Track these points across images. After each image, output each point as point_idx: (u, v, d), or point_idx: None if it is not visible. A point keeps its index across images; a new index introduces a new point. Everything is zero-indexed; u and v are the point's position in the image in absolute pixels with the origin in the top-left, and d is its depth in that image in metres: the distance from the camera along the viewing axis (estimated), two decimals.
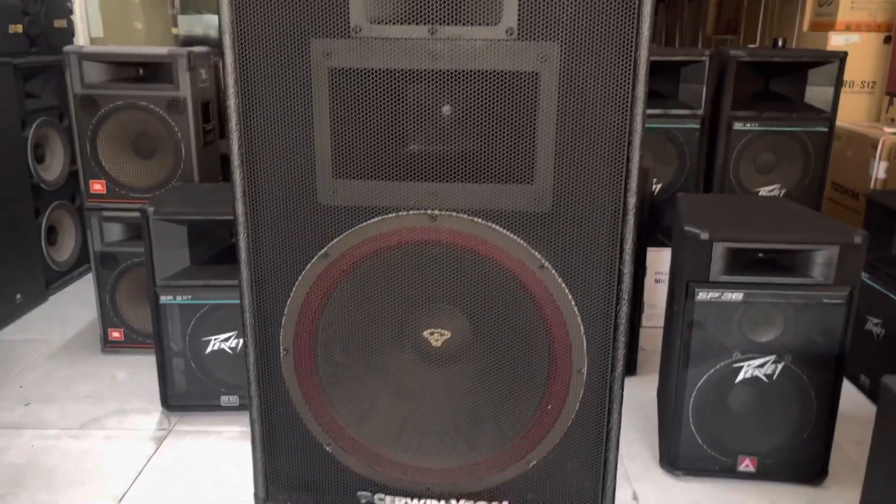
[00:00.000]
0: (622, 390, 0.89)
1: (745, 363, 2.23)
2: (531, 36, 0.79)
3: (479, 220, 0.86)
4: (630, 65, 0.80)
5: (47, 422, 2.63)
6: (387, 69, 0.82)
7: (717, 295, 2.19)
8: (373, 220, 0.87)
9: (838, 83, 3.38)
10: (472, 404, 0.94)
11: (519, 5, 0.79)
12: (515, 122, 0.84)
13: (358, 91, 0.84)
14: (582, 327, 0.88)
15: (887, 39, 4.39)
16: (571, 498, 0.94)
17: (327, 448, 0.95)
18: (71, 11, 4.06)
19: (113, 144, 2.93)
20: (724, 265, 2.19)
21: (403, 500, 0.96)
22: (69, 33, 4.05)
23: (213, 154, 3.16)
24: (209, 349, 2.62)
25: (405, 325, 0.91)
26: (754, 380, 2.24)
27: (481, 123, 0.84)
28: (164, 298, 2.56)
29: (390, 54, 0.80)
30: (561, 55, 0.79)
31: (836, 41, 4.46)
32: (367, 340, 0.92)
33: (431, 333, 0.93)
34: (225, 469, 2.37)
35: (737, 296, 2.19)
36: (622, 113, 0.82)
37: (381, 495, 0.96)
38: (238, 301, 2.55)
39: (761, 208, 2.54)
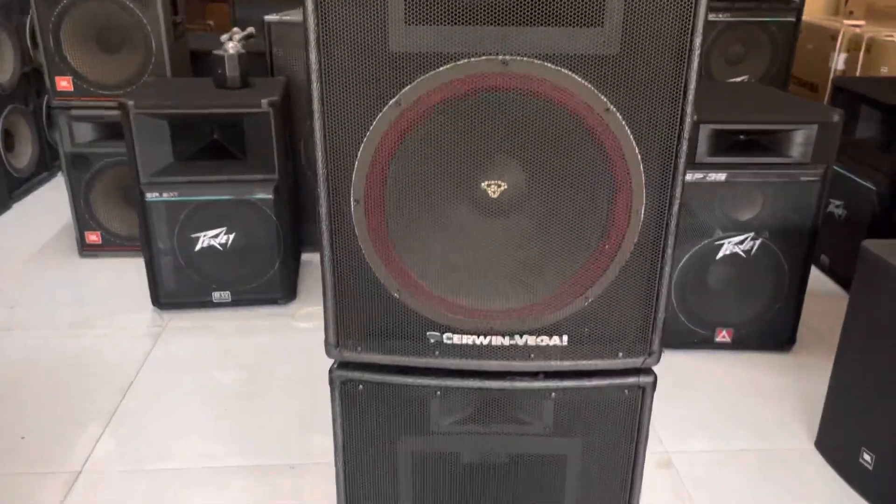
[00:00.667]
0: (677, 227, 0.96)
1: (726, 240, 2.35)
2: None
3: (551, 65, 0.89)
4: None
5: (36, 323, 2.61)
6: None
7: (701, 176, 2.29)
8: (444, 67, 0.89)
9: None
10: (532, 250, 0.99)
11: None
12: None
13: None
14: (642, 168, 0.93)
15: None
16: (625, 329, 1.02)
17: (396, 294, 1.00)
18: None
19: (78, 38, 2.80)
20: (709, 147, 2.28)
21: (471, 338, 1.02)
22: None
23: (182, 49, 3.05)
24: (198, 246, 2.62)
25: (469, 176, 0.95)
26: (733, 256, 2.37)
27: None
28: (150, 196, 2.53)
29: None
30: None
31: None
32: (432, 191, 0.96)
33: (489, 185, 0.97)
34: (225, 361, 2.42)
35: (720, 176, 2.28)
36: None
37: (449, 334, 1.02)
38: (227, 197, 2.55)
39: (742, 93, 2.61)
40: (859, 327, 1.86)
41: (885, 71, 3.52)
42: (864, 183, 2.81)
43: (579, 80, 0.89)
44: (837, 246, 2.98)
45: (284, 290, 2.73)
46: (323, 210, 0.96)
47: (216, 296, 2.69)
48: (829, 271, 3.07)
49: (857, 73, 3.73)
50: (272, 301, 2.73)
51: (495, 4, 0.87)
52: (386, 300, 1.01)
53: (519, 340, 1.01)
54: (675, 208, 0.95)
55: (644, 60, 0.88)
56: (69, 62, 2.81)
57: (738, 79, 3.55)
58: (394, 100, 0.91)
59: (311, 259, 3.12)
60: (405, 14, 0.87)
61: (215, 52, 2.62)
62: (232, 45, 2.65)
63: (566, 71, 0.89)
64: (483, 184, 0.97)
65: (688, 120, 0.91)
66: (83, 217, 3.03)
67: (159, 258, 2.62)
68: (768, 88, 2.68)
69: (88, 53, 2.83)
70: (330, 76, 0.90)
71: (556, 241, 0.98)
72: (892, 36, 3.57)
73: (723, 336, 2.49)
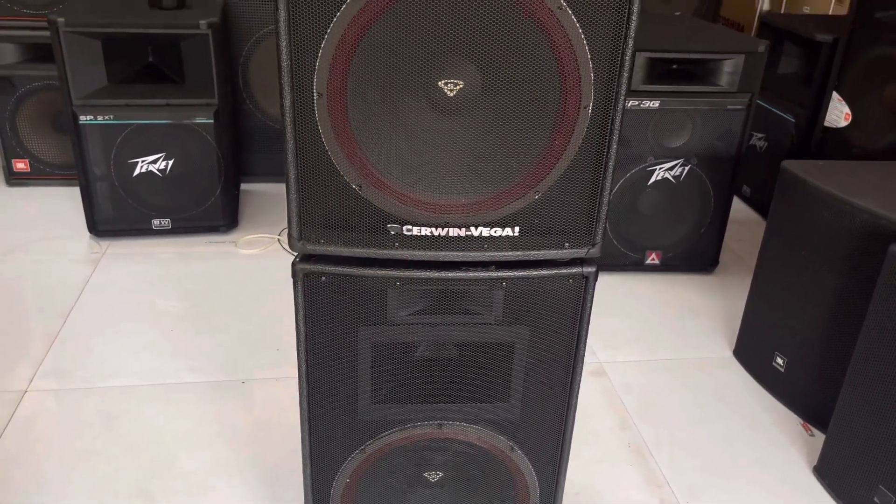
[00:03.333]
0: (622, 124, 1.03)
1: (657, 167, 2.47)
2: None
3: None
4: None
5: None
6: None
7: (636, 103, 2.38)
8: None
9: None
10: (486, 146, 1.05)
11: None
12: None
13: None
14: (591, 64, 1.00)
15: None
16: (572, 221, 1.10)
17: (357, 188, 1.05)
18: None
19: None
20: (644, 75, 2.37)
21: (428, 230, 1.08)
22: None
23: None
24: (136, 172, 2.58)
25: (427, 74, 0.99)
26: (664, 182, 2.50)
27: None
28: (83, 118, 2.46)
29: None
30: None
31: None
32: (392, 88, 1.00)
33: (446, 84, 1.02)
34: (169, 286, 2.41)
35: (654, 104, 2.38)
36: None
37: (409, 226, 1.08)
38: (165, 121, 2.50)
39: (673, 24, 2.71)
40: (777, 242, 2.01)
41: (807, 10, 3.68)
42: (783, 115, 2.97)
43: None
44: (758, 176, 3.16)
45: (226, 218, 2.72)
46: (287, 102, 0.99)
47: (156, 223, 2.66)
48: (750, 200, 3.26)
49: (782, 12, 3.88)
50: (214, 229, 2.72)
51: None
52: (348, 194, 1.05)
53: (474, 231, 1.08)
54: (620, 105, 1.02)
55: None
56: None
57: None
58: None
59: (252, 188, 3.11)
60: None
61: None
62: None
63: None
64: (440, 82, 1.01)
65: (634, 18, 0.97)
66: (9, 145, 2.92)
67: (95, 184, 2.56)
68: (700, 21, 2.78)
69: None
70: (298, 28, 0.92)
71: (509, 138, 1.04)
72: None
73: (652, 258, 2.63)
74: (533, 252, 1.11)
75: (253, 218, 2.89)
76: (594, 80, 1.01)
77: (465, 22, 0.97)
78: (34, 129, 2.94)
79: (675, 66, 2.43)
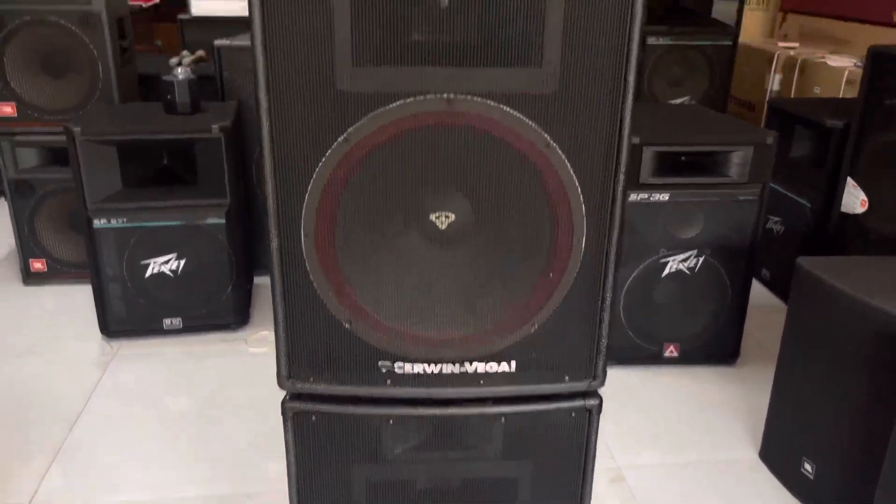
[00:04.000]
0: (617, 257, 1.00)
1: (671, 258, 2.43)
2: None
3: (493, 103, 0.92)
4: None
5: None
6: None
7: (646, 196, 2.36)
8: (391, 105, 0.92)
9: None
10: (479, 280, 1.02)
11: None
12: (528, 8, 0.90)
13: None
14: (583, 199, 0.98)
15: None
16: (570, 354, 1.06)
17: (347, 325, 1.02)
18: None
19: (21, 63, 2.76)
20: (652, 168, 2.36)
21: (421, 367, 1.05)
22: None
23: (131, 74, 3.02)
24: (148, 273, 2.59)
25: (418, 209, 0.98)
26: (678, 273, 2.45)
27: (494, 10, 0.90)
28: (97, 223, 2.49)
29: None
30: None
31: None
32: (381, 223, 0.99)
33: (437, 217, 1.00)
34: (177, 389, 2.39)
35: (663, 196, 2.36)
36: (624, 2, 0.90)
37: (400, 363, 1.04)
38: (177, 222, 2.53)
39: (680, 115, 2.71)
40: (796, 342, 1.94)
41: (818, 91, 3.68)
42: (799, 200, 2.93)
43: (521, 117, 0.93)
44: (777, 260, 3.10)
45: (237, 315, 2.72)
46: (273, 245, 0.98)
47: (167, 322, 2.65)
48: (769, 285, 3.19)
49: (792, 94, 3.89)
50: (224, 326, 2.71)
51: (441, 48, 0.90)
52: (337, 331, 1.03)
53: (468, 368, 1.04)
54: (615, 239, 1.00)
55: (581, 98, 0.93)
56: (12, 88, 2.77)
57: (680, 100, 3.67)
58: (342, 137, 0.93)
59: (264, 282, 3.11)
60: (352, 55, 0.90)
61: (165, 77, 2.61)
62: (182, 70, 2.64)
63: (508, 109, 0.93)
64: (432, 215, 1.00)
65: (624, 155, 0.95)
66: (28, 245, 2.97)
67: (107, 285, 2.58)
68: (708, 111, 2.79)
69: (33, 78, 2.79)
70: (280, 115, 0.92)
71: (503, 271, 1.02)
72: (823, 58, 3.74)
73: (670, 351, 2.56)
74: (531, 386, 1.07)
75: (264, 311, 2.88)
76: (586, 213, 0.99)
77: (455, 157, 0.96)
78: (52, 229, 2.99)
79: (683, 158, 2.42)
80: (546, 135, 0.94)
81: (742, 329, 2.56)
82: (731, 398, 2.41)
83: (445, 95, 0.92)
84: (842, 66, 3.53)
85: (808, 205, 2.88)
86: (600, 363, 1.07)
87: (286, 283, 0.99)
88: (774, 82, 4.07)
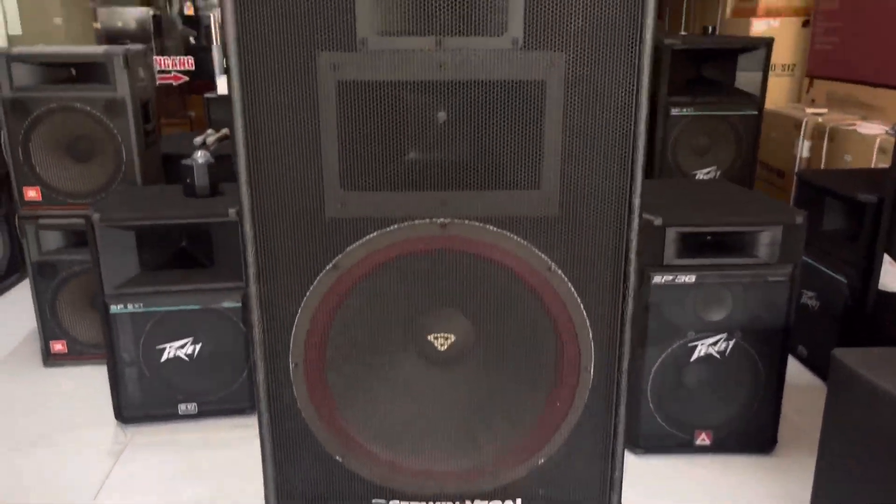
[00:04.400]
0: (628, 385, 0.93)
1: (699, 342, 2.33)
2: (537, 46, 0.81)
3: (489, 227, 0.87)
4: (633, 71, 0.83)
5: None
6: (394, 81, 0.83)
7: (671, 278, 2.28)
8: (382, 231, 0.88)
9: (766, 68, 3.54)
10: (481, 407, 0.96)
11: (524, 17, 0.81)
12: (523, 129, 0.86)
13: (365, 102, 0.84)
14: (589, 326, 0.91)
15: (805, 24, 4.60)
16: (581, 490, 0.98)
17: (339, 459, 0.96)
18: None
19: (47, 149, 2.81)
20: (676, 249, 2.28)
21: None
22: None
23: (154, 155, 3.06)
24: (164, 357, 2.56)
25: (411, 332, 0.93)
26: (708, 357, 2.34)
27: (489, 131, 0.85)
28: (114, 308, 2.48)
29: (398, 66, 0.81)
30: (567, 63, 0.81)
31: (758, 27, 4.65)
32: (374, 350, 0.93)
33: (436, 338, 0.94)
34: (191, 477, 2.32)
35: (689, 278, 2.28)
36: (626, 117, 0.85)
37: (396, 501, 0.97)
38: (194, 306, 2.51)
39: (705, 192, 2.64)
40: (836, 436, 1.82)
41: (848, 160, 3.59)
42: (834, 275, 2.82)
43: (520, 240, 0.88)
44: (813, 337, 2.97)
45: (252, 399, 2.66)
46: (260, 375, 0.92)
47: (182, 408, 2.61)
48: (807, 362, 3.04)
49: (822, 162, 3.80)
50: (240, 411, 2.65)
51: (434, 169, 0.86)
52: (329, 463, 0.96)
53: None
54: (625, 365, 0.92)
55: (584, 220, 0.87)
56: (38, 173, 2.81)
57: (706, 170, 3.61)
58: (331, 264, 0.89)
59: None
60: (341, 180, 0.86)
61: (184, 161, 2.63)
62: (202, 153, 2.66)
63: (506, 233, 0.88)
64: (430, 336, 0.94)
65: (632, 278, 0.89)
66: (49, 326, 2.97)
67: (123, 370, 2.55)
68: (734, 187, 2.71)
69: (58, 163, 2.83)
70: (266, 244, 0.88)
71: (506, 398, 0.95)
72: (853, 125, 3.66)
73: (702, 439, 2.43)
74: None
75: None
76: (593, 337, 0.92)
77: (452, 279, 0.91)
78: (74, 310, 2.99)
79: (709, 238, 2.34)
80: (547, 258, 0.88)
81: (779, 415, 2.43)
82: (769, 491, 2.27)
83: (440, 220, 0.87)
84: (873, 134, 3.44)
85: (845, 280, 2.76)
86: (615, 498, 0.98)
87: (274, 416, 0.93)
88: (804, 149, 3.99)
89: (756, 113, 3.55)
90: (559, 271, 0.88)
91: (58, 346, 3.00)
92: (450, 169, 0.86)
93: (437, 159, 0.85)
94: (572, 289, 0.89)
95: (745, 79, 3.58)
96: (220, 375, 2.60)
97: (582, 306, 0.90)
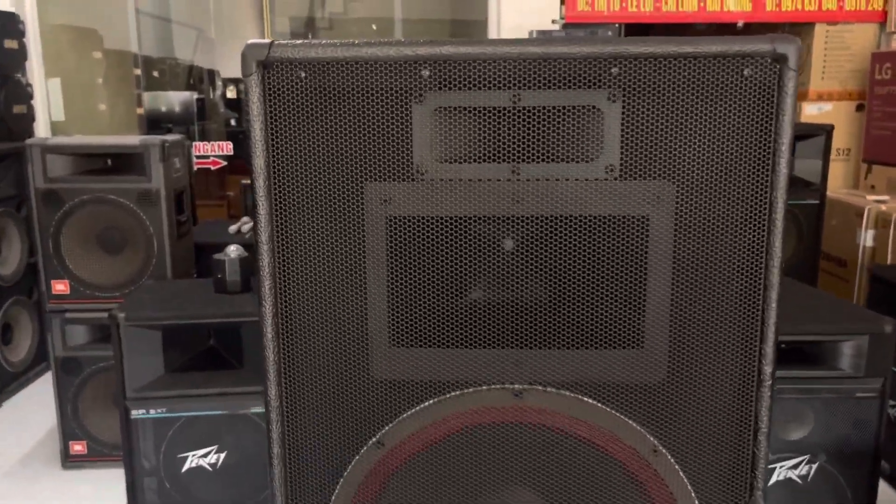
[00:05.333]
0: None
1: (778, 465, 2.07)
2: (638, 174, 0.64)
3: (574, 396, 0.69)
4: (762, 205, 0.66)
5: None
6: (459, 217, 0.66)
7: None
8: (440, 399, 0.69)
9: (826, 155, 3.36)
10: None
11: (622, 138, 0.65)
12: (620, 274, 0.68)
13: (423, 242, 0.68)
14: None
15: (860, 107, 4.44)
16: None
17: None
18: (31, 96, 3.87)
19: (78, 241, 2.72)
20: None
21: None
22: (29, 118, 3.85)
23: (186, 246, 2.96)
24: (186, 466, 2.37)
25: None
26: (788, 482, 2.08)
27: (576, 276, 0.68)
28: (135, 413, 2.31)
29: (463, 199, 0.65)
30: (678, 196, 0.64)
31: (809, 110, 4.50)
32: None
33: None
34: None
35: None
36: (753, 260, 0.67)
37: None
38: (219, 412, 2.33)
39: None
40: None
41: None
42: None
43: (616, 414, 0.69)
44: None
45: None
46: None
47: None
48: (890, 479, 2.73)
49: (888, 253, 3.56)
50: None
51: (506, 322, 0.68)
52: None
53: None
54: None
55: (700, 390, 0.68)
56: (67, 265, 2.72)
57: None
58: (374, 439, 0.71)
59: None
60: (390, 334, 0.69)
61: (216, 256, 2.51)
62: (234, 248, 2.54)
63: (597, 403, 0.69)
64: None
65: (762, 464, 0.69)
66: (69, 426, 2.82)
67: (142, 480, 2.36)
68: (804, 287, 2.50)
69: (88, 256, 2.74)
70: (295, 410, 0.71)
71: None
72: None
73: None
74: None
75: None
76: None
77: (524, 456, 0.71)
78: (96, 409, 2.84)
79: (783, 346, 2.11)
80: (652, 438, 0.69)
81: None
82: None
83: (513, 386, 0.69)
84: None
85: None
86: None
87: None
88: (867, 238, 3.76)
89: (817, 202, 3.35)
90: (667, 454, 0.69)
91: (77, 447, 2.84)
92: (526, 322, 0.68)
93: (511, 310, 0.68)
94: (684, 477, 0.69)
95: (804, 166, 3.40)
96: (245, 486, 2.40)
97: (694, 496, 0.70)
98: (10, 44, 3.71)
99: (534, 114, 0.65)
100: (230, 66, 6.83)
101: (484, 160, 0.66)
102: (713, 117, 0.65)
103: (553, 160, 0.66)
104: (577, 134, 0.66)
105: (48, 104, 4.19)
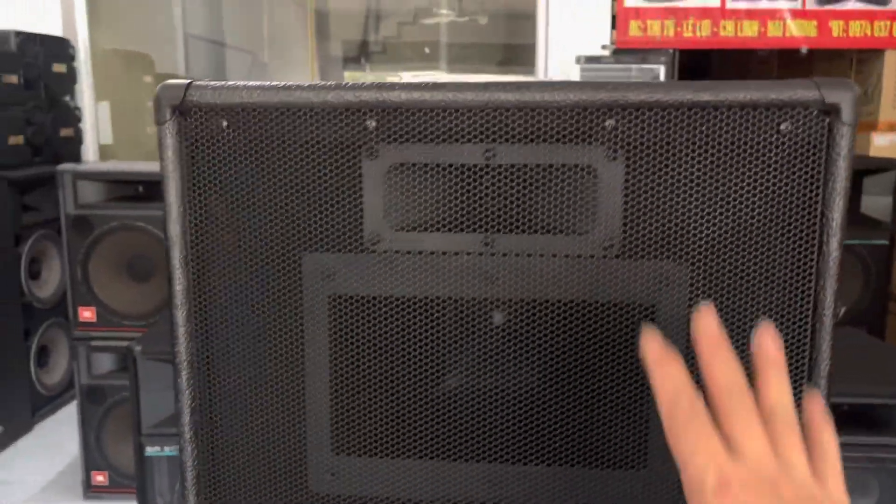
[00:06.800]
0: None
1: None
2: (642, 252, 0.50)
3: None
4: (806, 292, 0.51)
5: None
6: (418, 297, 0.53)
7: None
8: None
9: None
10: None
11: (625, 208, 0.51)
12: (618, 376, 0.54)
13: (373, 327, 0.55)
14: None
15: None
16: None
17: None
18: (79, 119, 3.91)
19: (106, 268, 2.68)
20: None
21: None
22: (77, 142, 3.89)
23: None
24: None
25: None
26: None
27: (565, 378, 0.54)
28: (150, 450, 2.24)
29: (424, 276, 0.52)
30: (692, 280, 0.50)
31: (879, 142, 4.22)
32: None
33: None
34: None
35: None
36: (792, 366, 0.52)
37: None
38: None
39: (840, 349, 2.21)
40: None
41: None
42: None
43: None
44: None
45: None
46: None
47: None
48: None
49: None
50: None
51: (474, 429, 0.55)
52: None
53: None
54: None
55: None
56: (95, 292, 2.68)
57: None
58: None
59: None
60: (332, 439, 0.56)
61: None
62: None
63: None
64: None
65: None
66: (92, 455, 2.77)
67: None
68: (871, 341, 2.27)
69: (115, 283, 2.70)
70: None
71: None
72: None
73: None
74: None
75: None
76: None
77: None
78: (118, 439, 2.79)
79: (846, 408, 1.90)
80: None
81: None
82: None
83: None
84: None
85: None
86: None
87: None
88: None
89: (887, 243, 3.09)
90: None
91: (99, 478, 2.79)
92: (501, 430, 0.54)
93: (482, 414, 0.54)
94: None
95: (872, 203, 3.16)
96: None
97: None
98: (59, 68, 3.76)
99: (512, 173, 0.52)
100: None
101: (450, 229, 0.53)
102: (740, 183, 0.51)
103: (535, 231, 0.53)
104: (567, 199, 0.52)
105: (97, 128, 4.23)
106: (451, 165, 0.52)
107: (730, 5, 4.22)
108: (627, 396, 0.54)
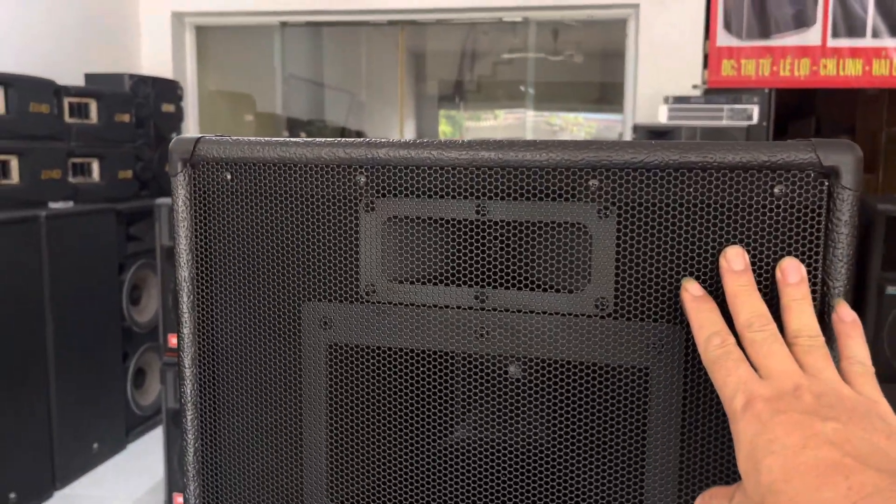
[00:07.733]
0: None
1: None
2: (636, 312, 0.49)
3: None
4: None
5: None
6: (411, 349, 0.54)
7: None
8: None
9: None
10: None
11: (618, 264, 0.50)
12: (610, 439, 0.52)
13: (369, 376, 0.56)
14: None
15: None
16: None
17: None
18: None
19: None
20: None
21: None
22: None
23: None
24: None
25: None
26: None
27: (555, 438, 0.53)
28: None
29: (418, 328, 0.52)
30: (688, 343, 0.48)
31: None
32: None
33: None
34: None
35: None
36: None
37: None
38: None
39: None
40: None
41: None
42: None
43: None
44: None
45: None
46: None
47: None
48: None
49: None
50: None
51: (472, 487, 0.54)
52: None
53: None
54: None
55: None
56: None
57: None
58: None
59: None
60: (329, 488, 0.57)
61: None
62: None
63: None
64: None
65: None
66: (175, 478, 2.88)
67: None
68: None
69: None
70: None
71: None
72: None
73: None
74: None
75: None
76: None
77: None
78: None
79: None
80: None
81: None
82: None
83: None
84: None
85: None
86: None
87: None
88: None
89: None
90: None
91: (180, 500, 2.89)
92: (493, 484, 0.54)
93: (474, 469, 0.54)
94: None
95: None
96: None
97: None
98: (168, 108, 4.02)
99: (504, 228, 0.52)
100: (379, 128, 7.07)
101: (444, 282, 0.54)
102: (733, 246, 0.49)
103: (528, 287, 0.52)
104: (560, 256, 0.52)
105: None
106: (443, 219, 0.53)
107: (831, 43, 4.05)
108: (619, 459, 0.52)
